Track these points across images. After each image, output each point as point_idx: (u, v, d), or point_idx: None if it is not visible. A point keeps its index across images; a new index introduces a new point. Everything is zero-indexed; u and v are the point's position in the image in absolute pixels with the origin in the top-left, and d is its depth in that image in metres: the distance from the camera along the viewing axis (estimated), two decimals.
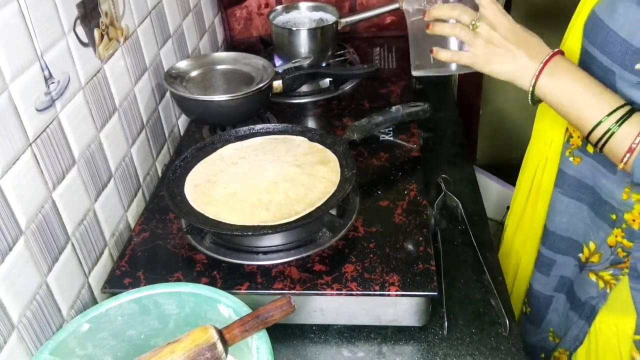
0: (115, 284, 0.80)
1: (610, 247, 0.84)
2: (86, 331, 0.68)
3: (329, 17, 1.35)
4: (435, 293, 0.75)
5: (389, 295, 0.76)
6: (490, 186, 1.68)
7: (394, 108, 1.06)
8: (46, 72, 0.73)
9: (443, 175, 1.05)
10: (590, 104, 0.71)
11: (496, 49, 0.75)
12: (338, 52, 1.39)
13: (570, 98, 0.73)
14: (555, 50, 0.75)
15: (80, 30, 0.81)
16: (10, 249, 0.65)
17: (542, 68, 0.73)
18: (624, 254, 0.82)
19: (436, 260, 0.81)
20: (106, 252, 0.88)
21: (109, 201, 0.89)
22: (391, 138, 1.08)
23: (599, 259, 0.87)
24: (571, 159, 0.88)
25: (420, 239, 0.83)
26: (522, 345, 0.77)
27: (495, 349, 0.77)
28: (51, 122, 0.74)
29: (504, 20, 0.75)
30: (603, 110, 0.70)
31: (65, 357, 0.66)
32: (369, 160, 1.02)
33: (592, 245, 0.88)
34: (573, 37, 0.81)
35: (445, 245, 0.93)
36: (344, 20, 1.31)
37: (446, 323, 0.80)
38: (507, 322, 0.78)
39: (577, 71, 0.73)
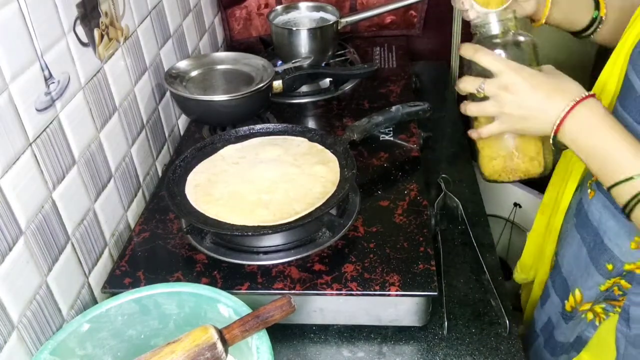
0: (115, 284, 0.80)
1: (602, 291, 0.80)
2: (86, 331, 0.68)
3: (329, 17, 1.35)
4: (435, 293, 0.75)
5: (389, 295, 0.76)
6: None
7: (393, 108, 1.06)
8: (46, 72, 0.73)
9: (443, 175, 1.05)
10: (621, 155, 0.64)
11: (516, 113, 0.71)
12: (338, 52, 1.39)
13: (597, 144, 0.66)
14: (587, 94, 0.68)
15: (80, 30, 0.81)
16: (10, 249, 0.65)
17: (566, 114, 0.67)
18: (620, 292, 0.79)
19: (436, 260, 0.81)
20: (106, 252, 0.88)
21: (109, 201, 0.89)
22: (391, 138, 1.08)
23: (588, 307, 0.83)
24: (589, 190, 0.82)
25: (421, 239, 0.83)
26: (521, 346, 0.77)
27: (495, 349, 0.77)
28: (51, 122, 0.74)
29: (517, 80, 0.70)
30: (636, 165, 0.63)
31: (65, 357, 0.66)
32: (369, 160, 1.02)
33: (577, 294, 0.84)
34: (612, 70, 0.75)
35: (445, 245, 0.93)
36: (344, 20, 1.31)
37: (446, 323, 0.80)
38: (507, 322, 0.79)
39: (610, 118, 0.67)
